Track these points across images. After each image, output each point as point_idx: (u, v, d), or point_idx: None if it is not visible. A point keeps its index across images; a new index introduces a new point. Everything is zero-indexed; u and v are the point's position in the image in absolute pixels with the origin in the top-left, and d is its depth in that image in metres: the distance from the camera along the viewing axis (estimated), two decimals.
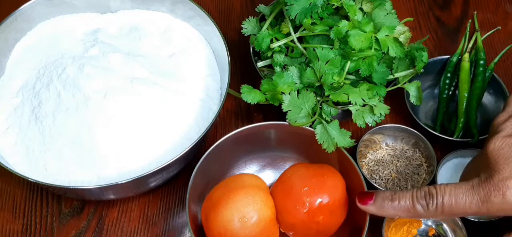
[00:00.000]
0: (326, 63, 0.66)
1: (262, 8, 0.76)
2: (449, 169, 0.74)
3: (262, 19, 0.76)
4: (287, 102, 0.66)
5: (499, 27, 0.86)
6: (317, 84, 0.67)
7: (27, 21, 0.76)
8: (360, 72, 0.68)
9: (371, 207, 0.58)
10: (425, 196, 0.55)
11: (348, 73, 0.68)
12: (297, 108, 0.66)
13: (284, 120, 0.66)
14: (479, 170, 0.54)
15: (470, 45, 0.80)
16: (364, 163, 0.75)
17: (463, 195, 0.53)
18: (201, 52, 0.78)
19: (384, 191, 0.58)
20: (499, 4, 0.93)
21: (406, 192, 0.56)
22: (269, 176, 0.73)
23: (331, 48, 0.67)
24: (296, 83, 0.68)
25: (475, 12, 0.87)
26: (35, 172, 0.66)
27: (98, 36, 0.76)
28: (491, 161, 0.53)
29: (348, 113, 0.69)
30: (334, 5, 0.69)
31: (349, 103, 0.67)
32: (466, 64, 0.78)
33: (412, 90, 0.73)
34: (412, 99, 0.73)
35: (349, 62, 0.67)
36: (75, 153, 0.66)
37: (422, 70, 0.71)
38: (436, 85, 0.82)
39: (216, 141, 0.65)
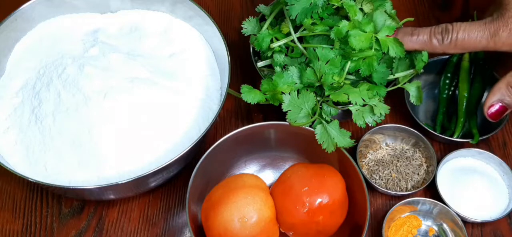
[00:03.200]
0: (326, 63, 0.66)
1: (262, 8, 0.76)
2: (449, 169, 0.74)
3: (262, 19, 0.76)
4: (287, 102, 0.66)
5: None
6: (317, 84, 0.67)
7: (27, 21, 0.76)
8: (360, 72, 0.68)
9: None
10: (441, 32, 0.61)
11: (348, 73, 0.68)
12: (297, 108, 0.66)
13: (284, 120, 0.66)
14: (493, 11, 0.61)
15: None
16: (364, 163, 0.75)
17: (475, 30, 0.60)
18: (201, 52, 0.78)
19: (406, 27, 0.64)
20: None
21: (425, 28, 0.63)
22: (269, 176, 0.73)
23: (331, 48, 0.67)
24: (296, 83, 0.68)
25: (475, 12, 0.86)
26: (35, 172, 0.66)
27: (98, 36, 0.76)
28: (504, 1, 0.60)
29: (348, 113, 0.69)
30: (334, 5, 0.69)
31: (349, 103, 0.67)
32: (466, 64, 0.78)
33: (412, 90, 0.73)
34: (412, 99, 0.73)
35: (349, 62, 0.67)
36: (75, 153, 0.66)
37: (422, 70, 0.71)
38: (436, 85, 0.82)
39: (216, 141, 0.65)
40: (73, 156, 0.66)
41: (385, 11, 0.69)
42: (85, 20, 0.79)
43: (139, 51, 0.75)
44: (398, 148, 0.77)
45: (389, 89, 0.70)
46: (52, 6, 0.77)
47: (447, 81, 0.79)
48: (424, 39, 0.64)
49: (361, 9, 0.70)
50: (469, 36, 0.61)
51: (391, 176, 0.74)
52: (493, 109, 0.64)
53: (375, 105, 0.67)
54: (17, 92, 0.71)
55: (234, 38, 0.88)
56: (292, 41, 0.70)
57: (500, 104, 0.63)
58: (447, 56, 0.80)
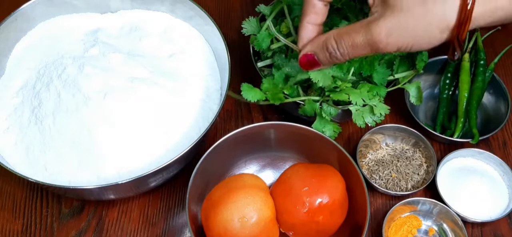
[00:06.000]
0: None
1: (262, 8, 0.76)
2: (449, 169, 0.74)
3: (262, 19, 0.76)
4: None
5: (499, 27, 0.85)
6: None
7: (27, 21, 0.76)
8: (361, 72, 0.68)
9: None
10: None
11: None
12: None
13: (284, 120, 0.66)
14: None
15: (470, 45, 0.80)
16: (364, 163, 0.75)
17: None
18: (201, 52, 0.78)
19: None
20: None
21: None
22: (269, 176, 0.73)
23: None
24: None
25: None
26: (35, 172, 0.66)
27: (98, 36, 0.75)
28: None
29: (348, 113, 0.69)
30: (334, 6, 0.69)
31: (349, 103, 0.67)
32: (466, 64, 0.78)
33: (412, 90, 0.73)
34: (412, 99, 0.73)
35: (353, 67, 0.67)
36: (75, 153, 0.66)
37: (422, 70, 0.71)
38: (436, 85, 0.82)
39: (216, 141, 0.65)
40: (73, 156, 0.66)
41: None
42: (85, 20, 0.79)
43: (139, 51, 0.75)
44: (398, 148, 0.77)
45: (389, 89, 0.70)
46: (52, 6, 0.77)
47: (447, 81, 0.79)
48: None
49: (361, 10, 0.70)
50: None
51: (391, 176, 0.74)
52: (305, 58, 0.58)
53: (375, 105, 0.68)
54: (17, 92, 0.71)
55: (234, 38, 0.88)
56: (293, 41, 0.70)
57: (314, 56, 0.57)
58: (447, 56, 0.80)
